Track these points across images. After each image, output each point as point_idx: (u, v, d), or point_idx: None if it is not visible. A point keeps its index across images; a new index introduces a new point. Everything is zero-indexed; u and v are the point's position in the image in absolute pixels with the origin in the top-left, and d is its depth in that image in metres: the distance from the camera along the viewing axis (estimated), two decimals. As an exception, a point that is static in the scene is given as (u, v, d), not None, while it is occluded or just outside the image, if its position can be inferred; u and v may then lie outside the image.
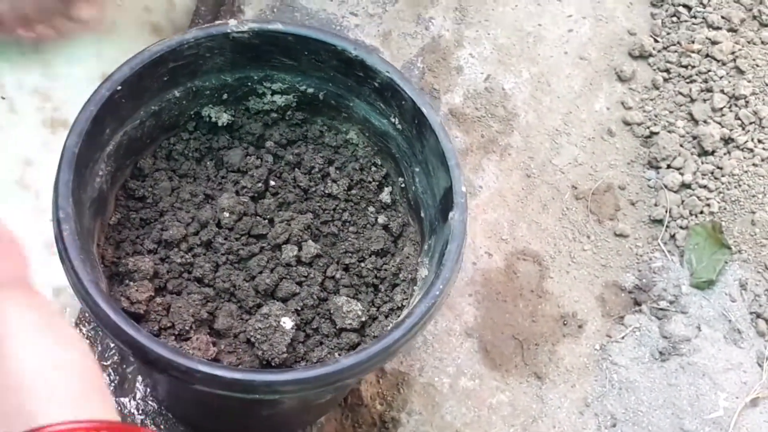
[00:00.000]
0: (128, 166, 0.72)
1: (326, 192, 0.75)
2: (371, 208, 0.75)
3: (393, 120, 0.71)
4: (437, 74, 1.17)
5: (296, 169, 0.75)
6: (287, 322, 0.66)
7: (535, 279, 1.05)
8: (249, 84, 0.74)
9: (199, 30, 0.68)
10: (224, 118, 0.75)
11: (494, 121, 1.14)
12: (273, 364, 0.65)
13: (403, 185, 0.74)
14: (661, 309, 1.03)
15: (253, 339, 0.65)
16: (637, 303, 1.04)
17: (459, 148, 1.12)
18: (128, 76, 0.64)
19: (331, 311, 0.69)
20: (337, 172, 0.75)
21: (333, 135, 0.76)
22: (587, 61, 1.21)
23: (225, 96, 0.74)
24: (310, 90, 0.74)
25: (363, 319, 0.69)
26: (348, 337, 0.68)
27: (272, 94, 0.75)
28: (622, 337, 1.02)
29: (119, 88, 0.64)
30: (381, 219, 0.74)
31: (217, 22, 0.69)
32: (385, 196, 0.75)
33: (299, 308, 0.68)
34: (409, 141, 0.71)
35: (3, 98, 0.98)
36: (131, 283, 0.65)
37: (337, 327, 0.69)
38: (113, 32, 1.05)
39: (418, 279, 0.69)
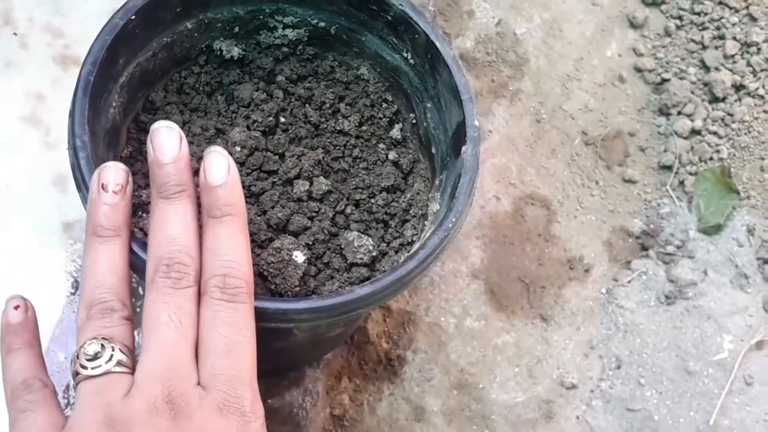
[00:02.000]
0: (140, 99, 0.71)
1: (337, 128, 0.75)
2: (381, 145, 0.75)
3: (405, 55, 0.71)
4: (448, 18, 1.16)
5: (307, 105, 0.75)
6: (299, 256, 0.66)
7: (542, 223, 1.05)
8: (260, 17, 0.73)
9: None
10: (235, 52, 0.74)
11: (505, 65, 1.14)
12: (285, 297, 0.65)
13: (414, 121, 0.74)
14: (668, 254, 1.04)
15: (265, 272, 0.65)
16: (645, 248, 1.05)
17: (469, 92, 1.12)
18: (142, 5, 0.64)
19: (342, 246, 0.69)
20: (348, 108, 0.75)
21: (344, 71, 0.76)
22: (600, 7, 1.20)
23: (236, 29, 0.74)
24: (322, 24, 0.74)
25: (374, 254, 0.69)
26: (359, 272, 0.69)
27: (284, 28, 0.74)
28: (629, 281, 1.03)
29: (133, 17, 0.63)
30: (391, 155, 0.75)
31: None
32: (395, 132, 0.75)
33: (310, 243, 0.69)
34: (421, 76, 0.71)
35: (15, 34, 0.98)
36: (144, 215, 0.66)
37: (348, 261, 0.69)
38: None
39: (429, 214, 0.69)
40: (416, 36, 0.68)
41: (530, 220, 1.05)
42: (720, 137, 1.09)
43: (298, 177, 0.71)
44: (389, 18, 0.70)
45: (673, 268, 1.02)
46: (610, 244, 1.05)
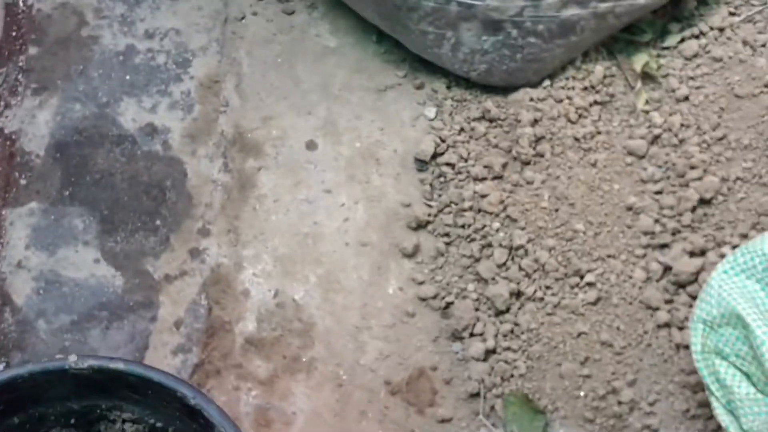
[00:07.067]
0: None
1: None
2: None
3: None
4: (224, 306, 1.15)
5: None
6: None
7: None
8: (98, 411, 0.74)
9: (35, 365, 0.67)
10: None
11: (293, 337, 1.13)
12: None
13: None
14: (494, 485, 1.02)
15: None
16: (474, 486, 1.03)
17: (263, 378, 1.09)
18: None
19: None
20: None
21: None
22: (370, 246, 1.20)
23: (73, 420, 0.73)
24: (159, 424, 0.75)
25: None
26: None
27: (123, 422, 0.75)
28: None
29: None
30: None
31: (57, 356, 0.72)
32: None
33: None
34: None
35: None
36: None
37: None
38: None
39: None
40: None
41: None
42: (514, 351, 1.09)
43: None
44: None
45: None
46: (440, 491, 1.03)
